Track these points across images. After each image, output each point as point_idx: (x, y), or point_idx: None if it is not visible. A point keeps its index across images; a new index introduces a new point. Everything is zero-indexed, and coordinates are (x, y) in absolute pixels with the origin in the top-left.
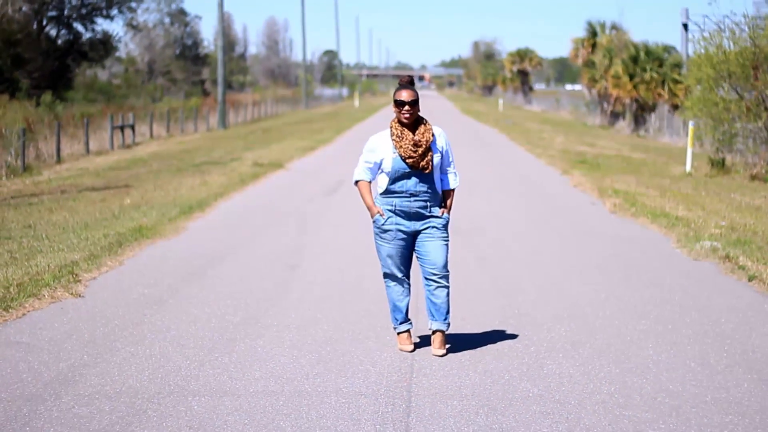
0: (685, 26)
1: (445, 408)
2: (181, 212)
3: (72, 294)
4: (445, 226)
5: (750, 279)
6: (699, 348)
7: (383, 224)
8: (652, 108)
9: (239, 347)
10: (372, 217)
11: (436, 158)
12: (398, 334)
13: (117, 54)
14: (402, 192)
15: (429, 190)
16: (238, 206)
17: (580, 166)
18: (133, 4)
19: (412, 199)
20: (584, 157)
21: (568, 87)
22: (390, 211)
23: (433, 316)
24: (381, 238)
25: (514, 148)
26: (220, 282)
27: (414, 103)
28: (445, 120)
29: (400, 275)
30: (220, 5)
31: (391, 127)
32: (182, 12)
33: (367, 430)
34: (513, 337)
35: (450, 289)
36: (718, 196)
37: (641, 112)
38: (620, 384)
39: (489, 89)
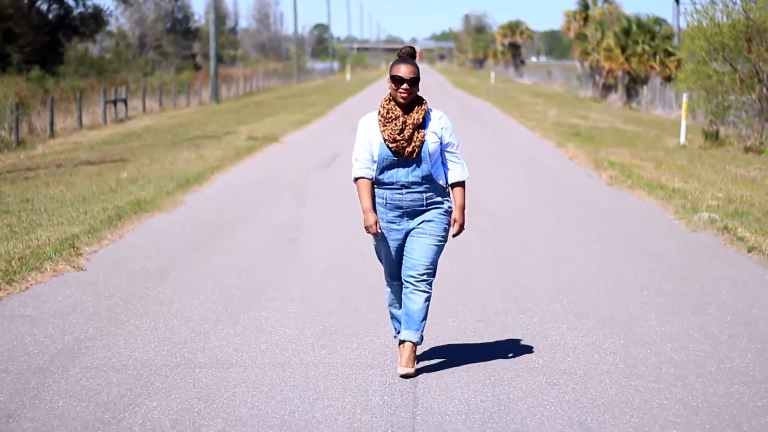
0: None
1: (452, 379)
2: (179, 186)
3: (74, 267)
4: (444, 224)
5: (749, 250)
6: (702, 319)
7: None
8: (644, 80)
9: (244, 319)
10: (365, 224)
11: (432, 144)
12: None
13: (108, 28)
14: (392, 183)
15: (424, 181)
16: (235, 179)
17: (574, 138)
18: None
19: (404, 191)
20: (578, 130)
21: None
22: (380, 204)
23: (405, 324)
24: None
25: (507, 121)
26: (221, 255)
27: (414, 82)
28: (438, 94)
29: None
30: None
31: (380, 106)
32: None
33: (375, 401)
34: (516, 308)
35: (431, 297)
36: (713, 168)
37: (633, 85)
38: (625, 354)
39: (480, 62)
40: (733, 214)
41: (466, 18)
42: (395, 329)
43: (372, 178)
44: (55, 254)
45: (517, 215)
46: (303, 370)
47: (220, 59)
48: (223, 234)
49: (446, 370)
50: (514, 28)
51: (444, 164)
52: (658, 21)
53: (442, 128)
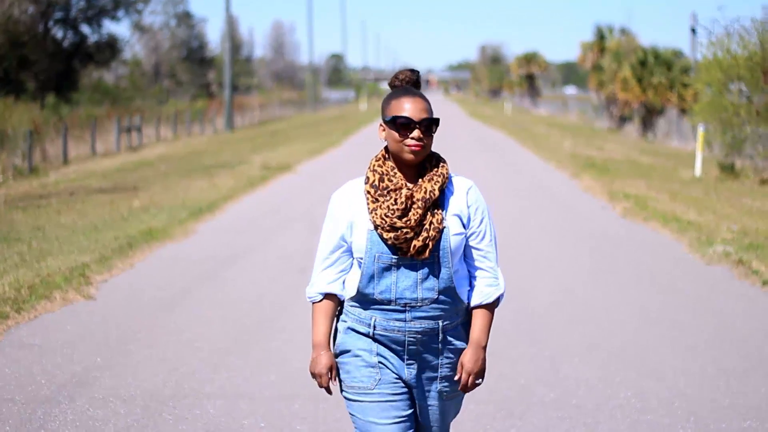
0: (694, 30)
1: (461, 414)
2: (191, 215)
3: (83, 296)
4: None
5: (764, 284)
6: (715, 353)
7: (345, 358)
8: (660, 112)
9: (254, 350)
10: (312, 368)
11: (456, 237)
12: None
13: (123, 56)
14: (388, 302)
15: (440, 297)
16: (247, 209)
17: (589, 170)
18: (140, 6)
19: (408, 315)
20: (593, 161)
21: (569, 91)
22: (364, 334)
23: None
24: (350, 387)
25: (522, 152)
26: (232, 285)
27: (431, 125)
28: (453, 124)
29: None
30: (227, 8)
31: (368, 170)
32: (188, 14)
33: None
34: (527, 341)
35: None
36: (729, 200)
37: (649, 116)
38: (637, 389)
39: (496, 93)
40: (748, 247)
41: (482, 49)
42: None
43: (341, 297)
44: (65, 283)
45: (529, 246)
46: (312, 402)
47: (235, 88)
48: (234, 263)
49: None
50: (530, 59)
51: (471, 269)
52: (676, 52)
53: (470, 206)
